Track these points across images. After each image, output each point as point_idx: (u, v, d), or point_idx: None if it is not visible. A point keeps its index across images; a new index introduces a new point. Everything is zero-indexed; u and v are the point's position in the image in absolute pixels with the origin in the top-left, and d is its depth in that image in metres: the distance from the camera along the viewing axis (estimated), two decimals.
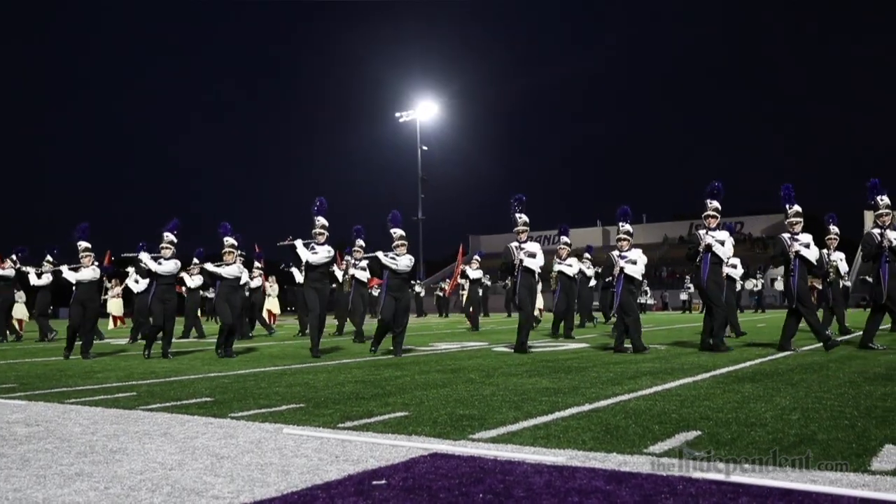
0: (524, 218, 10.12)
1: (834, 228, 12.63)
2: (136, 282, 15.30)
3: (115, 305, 22.46)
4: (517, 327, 10.00)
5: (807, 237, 9.25)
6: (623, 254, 9.90)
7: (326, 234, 10.23)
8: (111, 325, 22.65)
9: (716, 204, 9.55)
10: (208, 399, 5.71)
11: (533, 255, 9.84)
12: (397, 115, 47.40)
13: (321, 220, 10.26)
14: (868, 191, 9.30)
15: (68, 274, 10.97)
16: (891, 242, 8.87)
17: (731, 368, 7.17)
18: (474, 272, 18.55)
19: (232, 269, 10.54)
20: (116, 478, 3.18)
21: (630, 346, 9.52)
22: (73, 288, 11.00)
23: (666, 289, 44.23)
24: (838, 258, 12.50)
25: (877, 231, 9.12)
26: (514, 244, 10.09)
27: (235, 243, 10.71)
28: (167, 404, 5.46)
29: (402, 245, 10.08)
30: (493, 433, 4.01)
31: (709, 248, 9.26)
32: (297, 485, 2.99)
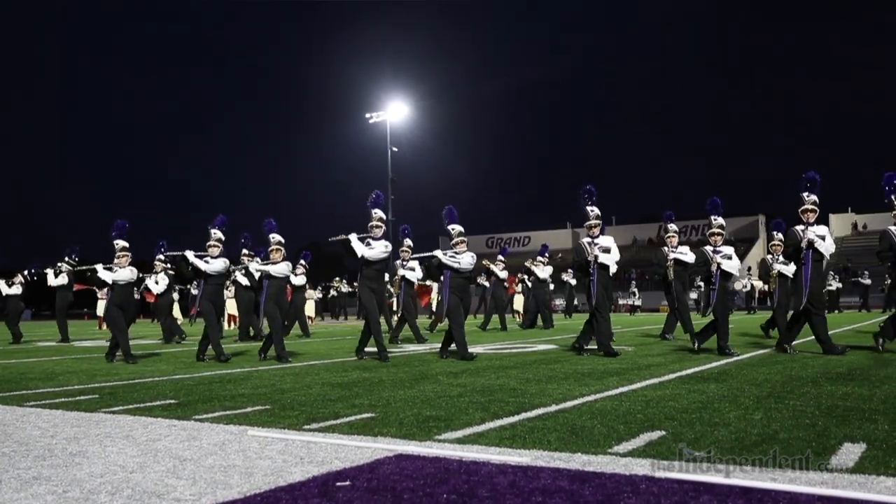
0: (596, 211, 9.39)
1: (778, 235, 12.25)
2: (157, 283, 15.10)
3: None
4: (595, 329, 9.25)
5: (822, 229, 8.80)
6: (717, 249, 9.13)
7: (384, 227, 9.48)
8: (98, 327, 22.56)
9: (814, 197, 8.81)
10: (172, 401, 5.64)
11: (608, 251, 9.15)
12: (367, 115, 47.22)
13: (378, 213, 9.51)
14: (802, 186, 8.90)
15: (103, 274, 10.14)
16: (812, 240, 8.60)
17: (697, 369, 7.24)
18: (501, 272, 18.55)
19: (281, 266, 9.70)
20: (75, 481, 3.12)
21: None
22: (108, 290, 10.23)
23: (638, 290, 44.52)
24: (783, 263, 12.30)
25: (800, 227, 8.80)
26: (587, 240, 9.33)
27: (283, 240, 9.87)
28: (130, 406, 5.38)
29: (463, 242, 9.37)
30: (458, 434, 4.01)
31: (811, 244, 8.63)
32: (260, 487, 2.97)
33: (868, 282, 30.86)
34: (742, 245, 56.61)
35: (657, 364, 7.86)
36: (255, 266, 9.85)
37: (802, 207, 8.78)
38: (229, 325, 22.95)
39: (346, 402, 5.43)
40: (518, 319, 22.06)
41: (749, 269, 48.31)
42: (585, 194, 9.52)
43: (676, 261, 11.92)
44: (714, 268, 8.97)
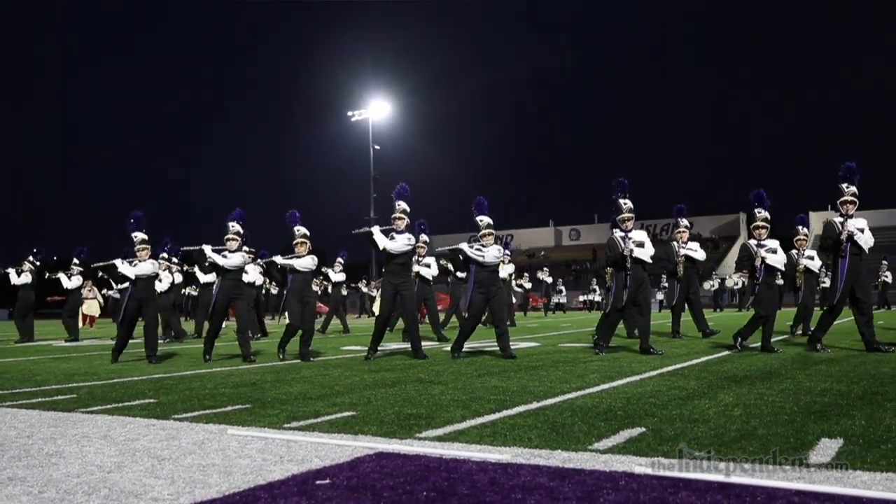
0: (629, 204, 8.99)
1: (803, 229, 12.11)
2: (160, 280, 15.03)
3: (90, 306, 22.46)
4: (639, 327, 8.97)
5: (861, 221, 8.53)
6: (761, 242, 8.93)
7: (407, 220, 9.23)
8: (81, 324, 22.45)
9: (853, 188, 8.53)
10: (152, 400, 5.60)
11: (641, 245, 8.79)
12: (349, 113, 47.18)
13: (402, 205, 9.26)
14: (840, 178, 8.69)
15: (124, 268, 9.71)
16: (852, 233, 8.35)
17: (678, 366, 7.27)
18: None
19: (306, 261, 9.31)
20: (52, 481, 3.09)
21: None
22: (130, 284, 9.74)
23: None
24: (808, 258, 11.78)
25: (838, 219, 8.55)
26: (619, 234, 8.91)
27: (308, 233, 9.47)
28: (108, 406, 5.33)
29: (490, 235, 9.06)
30: (439, 432, 4.00)
31: (850, 237, 8.37)
32: (239, 486, 2.95)
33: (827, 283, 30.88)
34: (724, 243, 57.12)
35: (638, 361, 7.89)
36: (280, 260, 9.46)
37: (842, 199, 8.53)
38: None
39: (326, 400, 5.41)
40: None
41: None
42: (618, 187, 9.21)
43: (686, 257, 11.91)
44: (758, 262, 8.75)
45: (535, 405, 4.89)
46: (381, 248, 8.95)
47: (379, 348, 9.41)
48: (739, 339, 9.01)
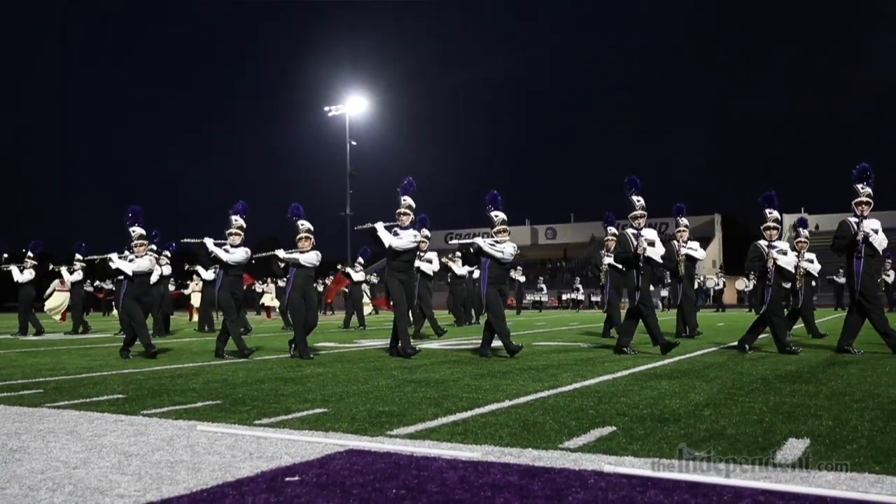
0: (642, 201, 8.85)
1: (804, 231, 12.06)
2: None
3: (57, 300, 22.33)
4: (645, 326, 8.73)
5: (875, 222, 8.43)
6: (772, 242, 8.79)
7: (412, 216, 9.09)
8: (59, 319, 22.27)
9: (869, 189, 8.47)
10: (120, 396, 5.54)
11: (653, 244, 8.67)
12: (326, 109, 46.98)
13: (407, 200, 9.06)
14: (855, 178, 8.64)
15: (120, 263, 9.44)
16: (867, 234, 8.26)
17: (650, 366, 7.32)
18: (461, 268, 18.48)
19: (310, 256, 9.04)
20: (15, 478, 3.04)
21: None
22: (125, 280, 9.49)
23: (593, 287, 45.00)
24: (808, 261, 11.79)
25: (853, 220, 8.47)
26: (631, 231, 8.76)
27: (311, 228, 9.21)
28: (76, 402, 5.26)
29: (505, 231, 8.85)
30: (411, 429, 3.99)
31: (865, 237, 8.27)
32: (207, 482, 2.92)
33: (842, 280, 30.78)
34: (700, 243, 57.61)
35: (611, 361, 7.93)
36: (283, 254, 9.13)
37: (857, 199, 8.48)
38: (190, 318, 22.76)
39: (298, 397, 5.38)
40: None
41: (721, 266, 49.22)
42: (630, 184, 9.06)
43: (687, 256, 11.88)
44: (770, 263, 8.61)
45: (507, 403, 4.90)
46: (386, 245, 8.76)
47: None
48: (746, 346, 8.87)
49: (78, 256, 16.15)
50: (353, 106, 46.49)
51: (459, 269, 17.57)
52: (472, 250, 8.87)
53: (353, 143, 46.47)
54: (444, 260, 18.06)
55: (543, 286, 40.74)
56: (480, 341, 8.93)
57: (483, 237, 8.92)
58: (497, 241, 8.76)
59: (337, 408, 4.81)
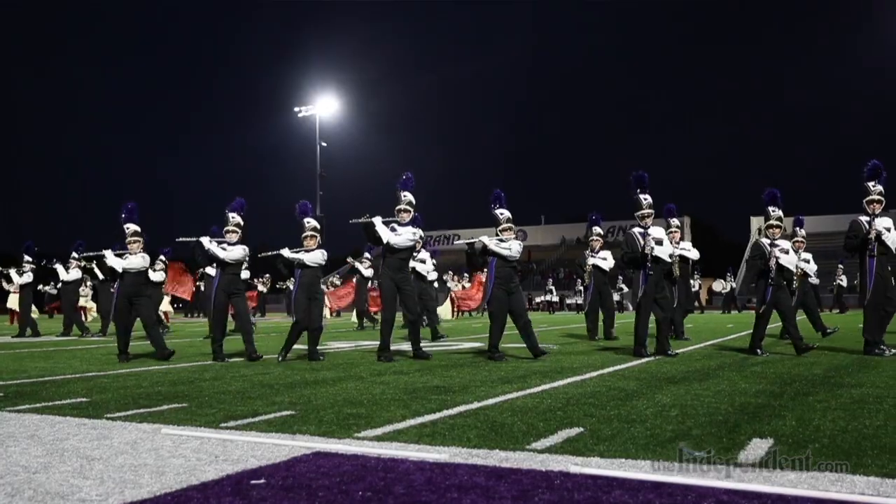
0: (649, 199, 8.67)
1: (801, 231, 11.88)
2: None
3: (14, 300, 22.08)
4: (657, 327, 8.63)
5: (887, 221, 8.30)
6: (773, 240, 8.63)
7: (413, 212, 8.78)
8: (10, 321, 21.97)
9: (880, 188, 8.37)
10: (84, 399, 5.45)
11: (661, 243, 8.53)
12: (296, 109, 46.71)
13: (407, 196, 8.77)
14: (867, 175, 8.53)
15: (113, 261, 9.18)
16: (879, 232, 8.18)
17: (618, 367, 7.37)
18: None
19: (315, 254, 8.78)
20: None
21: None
22: (119, 279, 9.24)
23: (562, 289, 45.28)
24: (804, 261, 11.59)
25: (865, 219, 8.37)
26: (638, 230, 8.61)
27: (318, 226, 9.00)
28: (38, 405, 5.17)
29: (510, 229, 8.65)
30: (378, 431, 3.98)
31: (878, 236, 8.17)
32: (171, 486, 2.89)
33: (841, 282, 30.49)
34: None
35: (580, 363, 7.97)
36: (288, 253, 8.82)
37: (868, 198, 8.39)
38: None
39: (266, 399, 5.34)
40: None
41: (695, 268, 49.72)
42: (637, 182, 8.89)
43: (680, 257, 11.76)
44: (772, 262, 8.45)
45: (475, 405, 4.90)
46: (384, 241, 8.47)
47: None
48: (758, 348, 8.71)
49: (27, 258, 15.99)
50: (324, 106, 46.28)
51: (366, 270, 17.38)
52: (477, 249, 8.60)
53: (324, 143, 46.25)
54: (349, 259, 18.08)
55: (553, 287, 41.01)
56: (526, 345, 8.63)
57: (489, 237, 8.69)
58: (502, 240, 8.55)
59: (305, 410, 4.78)
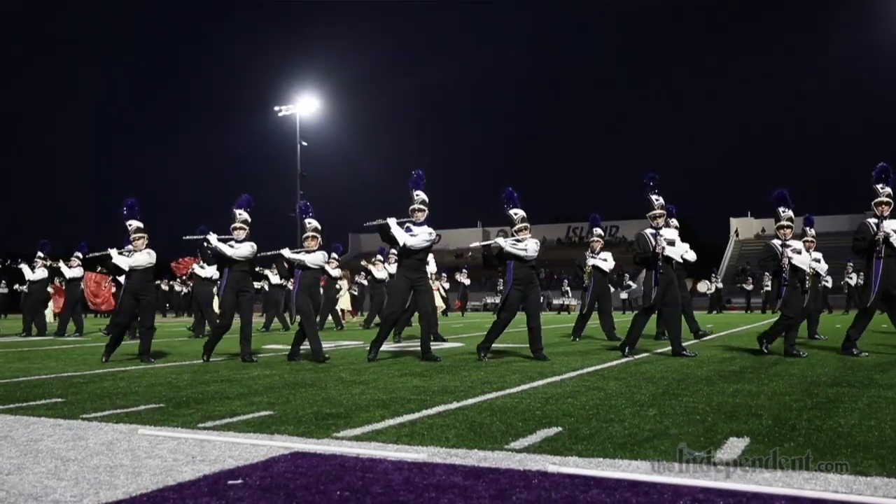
0: (661, 200, 8.66)
1: (810, 230, 11.67)
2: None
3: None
4: (667, 329, 8.63)
5: (895, 223, 8.34)
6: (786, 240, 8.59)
7: (427, 211, 8.58)
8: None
9: (888, 189, 8.36)
10: (59, 400, 5.39)
11: (672, 243, 8.49)
12: (277, 108, 46.43)
13: (420, 195, 8.59)
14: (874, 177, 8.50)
15: (119, 259, 8.96)
16: (887, 234, 8.19)
17: (597, 367, 7.40)
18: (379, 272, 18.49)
19: (317, 256, 8.65)
20: None
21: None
22: (125, 277, 9.04)
23: (543, 290, 45.46)
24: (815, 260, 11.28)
25: (873, 220, 8.40)
26: (650, 231, 8.58)
27: (319, 227, 8.82)
28: (11, 406, 5.11)
29: (526, 228, 8.50)
30: (357, 431, 3.97)
31: (886, 238, 8.19)
32: (147, 486, 2.87)
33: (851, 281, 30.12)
34: None
35: (560, 363, 7.99)
36: (288, 254, 8.69)
37: (876, 200, 8.38)
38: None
39: (244, 399, 5.31)
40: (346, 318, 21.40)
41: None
42: (649, 182, 8.84)
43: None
44: (785, 262, 8.40)
45: (454, 405, 4.90)
46: (401, 243, 8.35)
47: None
48: (765, 342, 8.67)
49: (77, 254, 15.94)
50: (304, 106, 46.05)
51: (379, 272, 17.22)
52: (494, 251, 8.48)
53: (304, 143, 46.04)
54: (363, 262, 18.04)
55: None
56: (531, 348, 8.53)
57: (504, 237, 8.60)
58: (517, 241, 8.42)
59: (283, 410, 4.76)
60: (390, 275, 17.35)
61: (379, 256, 17.18)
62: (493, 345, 8.80)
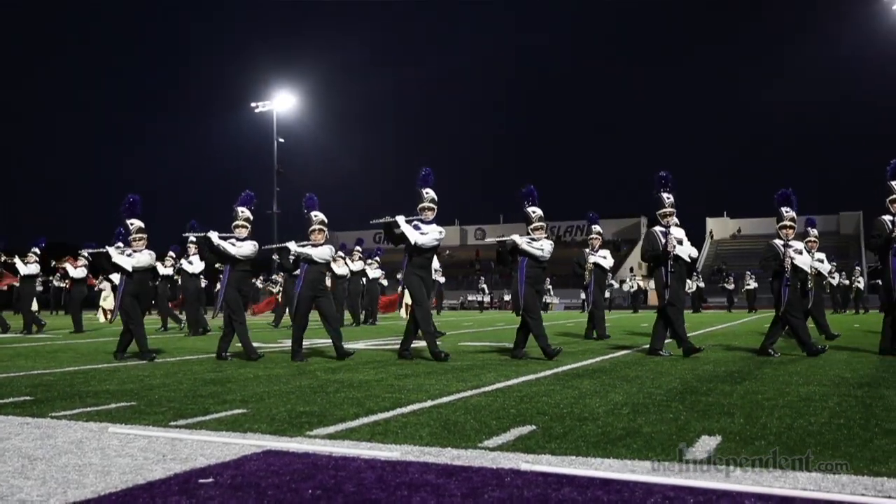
0: (671, 199, 8.61)
1: (813, 230, 11.81)
2: (191, 263, 14.20)
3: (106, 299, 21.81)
4: (669, 325, 8.56)
5: None
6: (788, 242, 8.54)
7: (436, 209, 8.48)
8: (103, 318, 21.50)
9: None
10: (28, 398, 5.32)
11: (681, 242, 8.47)
12: (253, 105, 46.12)
13: (430, 193, 8.47)
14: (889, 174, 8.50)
15: (119, 259, 8.71)
16: None
17: (573, 366, 7.42)
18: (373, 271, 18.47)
19: (323, 250, 8.51)
20: None
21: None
22: (125, 277, 8.77)
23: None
24: (818, 260, 11.46)
25: (888, 218, 8.33)
26: (660, 229, 8.58)
27: (325, 220, 8.63)
28: None
29: (542, 228, 8.35)
30: (330, 430, 3.96)
31: None
32: (116, 485, 2.84)
33: (755, 285, 30.52)
34: (624, 245, 58.88)
35: (535, 361, 8.00)
36: (294, 247, 8.50)
37: (891, 197, 8.35)
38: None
39: (217, 397, 5.27)
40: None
41: (631, 269, 50.35)
42: (661, 181, 8.76)
43: (675, 257, 11.85)
44: (787, 263, 8.36)
45: (429, 403, 4.90)
46: (412, 242, 8.20)
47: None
48: (770, 348, 8.53)
49: (81, 253, 15.79)
50: (281, 102, 45.77)
51: (340, 268, 16.97)
52: (507, 248, 8.33)
53: (281, 139, 45.78)
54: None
55: (485, 286, 41.22)
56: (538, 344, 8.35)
57: (520, 235, 8.42)
58: (533, 240, 8.30)
59: (256, 408, 4.73)
60: (351, 272, 17.31)
61: (340, 252, 17.04)
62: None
